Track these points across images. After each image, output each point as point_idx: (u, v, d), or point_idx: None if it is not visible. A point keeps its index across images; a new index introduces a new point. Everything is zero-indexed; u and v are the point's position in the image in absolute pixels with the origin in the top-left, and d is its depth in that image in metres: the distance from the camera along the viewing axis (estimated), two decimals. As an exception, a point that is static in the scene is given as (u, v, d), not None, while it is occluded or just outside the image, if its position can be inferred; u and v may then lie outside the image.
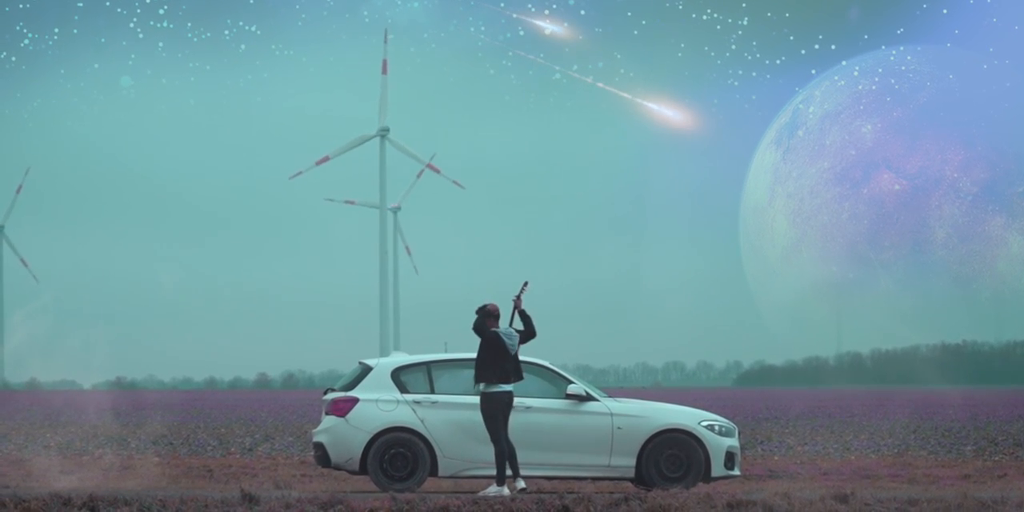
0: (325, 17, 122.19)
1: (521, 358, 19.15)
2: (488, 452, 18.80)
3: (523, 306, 18.99)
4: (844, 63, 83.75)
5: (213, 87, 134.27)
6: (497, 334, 18.73)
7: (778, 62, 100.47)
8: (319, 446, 19.58)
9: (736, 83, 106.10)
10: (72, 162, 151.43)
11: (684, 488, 18.81)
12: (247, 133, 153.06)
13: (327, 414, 19.69)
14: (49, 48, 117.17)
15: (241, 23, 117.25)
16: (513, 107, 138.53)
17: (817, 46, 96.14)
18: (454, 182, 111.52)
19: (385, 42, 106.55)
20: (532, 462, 19.17)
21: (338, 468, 19.62)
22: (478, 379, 18.74)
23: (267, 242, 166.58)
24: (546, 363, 19.79)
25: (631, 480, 19.59)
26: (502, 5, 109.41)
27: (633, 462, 19.31)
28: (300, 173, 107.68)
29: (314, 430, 19.92)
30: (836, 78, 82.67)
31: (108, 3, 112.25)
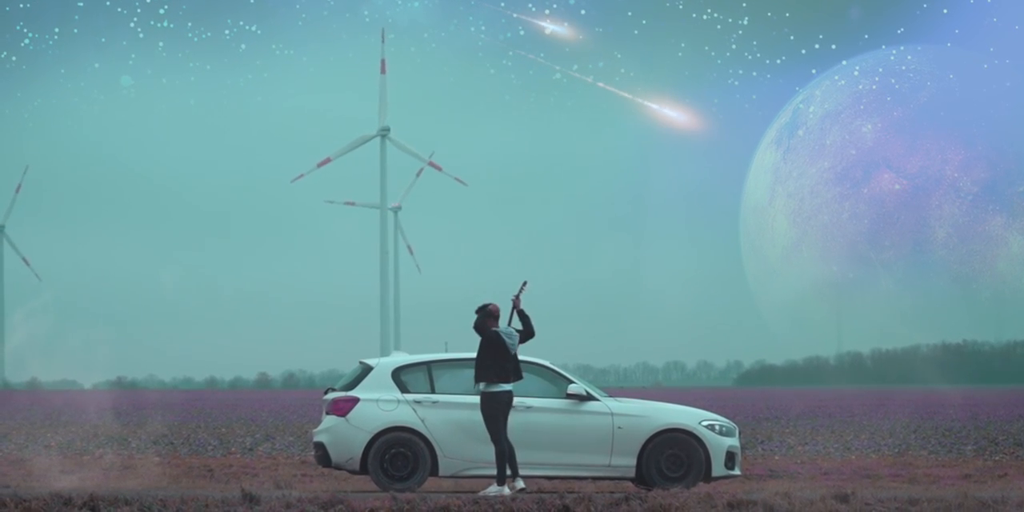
0: (325, 17, 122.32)
1: (521, 358, 19.15)
2: (488, 452, 18.80)
3: (522, 306, 19.00)
4: (844, 63, 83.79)
5: (213, 87, 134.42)
6: (498, 333, 18.74)
7: (778, 62, 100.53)
8: (320, 446, 19.58)
9: (736, 83, 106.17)
10: (72, 162, 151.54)
11: (685, 488, 18.81)
12: (247, 133, 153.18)
13: (328, 414, 19.69)
14: (49, 48, 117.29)
15: (241, 23, 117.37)
16: (513, 107, 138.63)
17: (817, 46, 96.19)
18: (456, 179, 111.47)
19: (383, 42, 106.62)
20: (533, 462, 19.17)
21: (339, 468, 19.62)
22: (478, 378, 18.74)
23: (268, 242, 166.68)
24: (546, 363, 19.79)
25: (632, 480, 19.59)
26: (502, 5, 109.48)
27: (634, 462, 19.31)
28: (302, 176, 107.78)
29: (315, 430, 19.92)
30: (836, 78, 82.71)
31: (108, 3, 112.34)
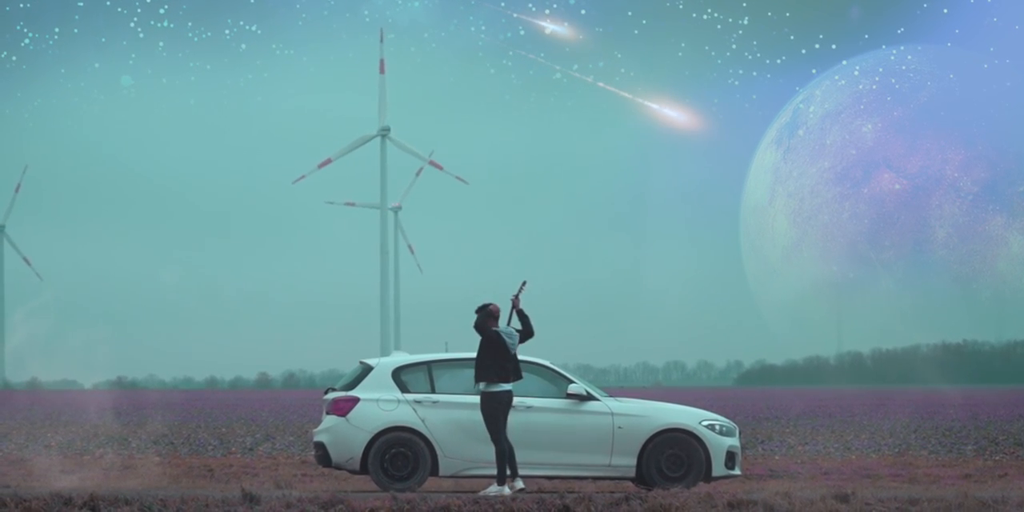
0: (326, 17, 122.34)
1: (522, 358, 19.16)
2: (489, 452, 18.80)
3: (521, 305, 19.00)
4: (845, 62, 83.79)
5: (213, 87, 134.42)
6: (498, 333, 18.74)
7: (779, 61, 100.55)
8: (320, 446, 19.58)
9: (736, 82, 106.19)
10: (73, 161, 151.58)
11: (685, 488, 18.80)
12: (248, 133, 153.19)
13: (328, 414, 19.69)
14: (50, 47, 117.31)
15: (242, 23, 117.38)
16: (514, 107, 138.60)
17: (818, 45, 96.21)
18: (457, 177, 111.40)
19: (381, 42, 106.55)
20: (533, 462, 19.17)
21: (339, 468, 19.62)
22: (478, 378, 18.74)
23: (268, 241, 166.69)
24: (547, 363, 19.79)
25: (632, 480, 19.59)
26: (503, 5, 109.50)
27: (634, 462, 19.31)
28: (303, 177, 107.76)
29: (315, 430, 19.92)
30: (837, 78, 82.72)
31: (109, 3, 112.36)
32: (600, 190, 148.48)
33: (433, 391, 19.59)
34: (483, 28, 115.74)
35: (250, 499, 17.08)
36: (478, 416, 18.84)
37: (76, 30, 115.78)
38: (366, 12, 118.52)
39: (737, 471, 19.75)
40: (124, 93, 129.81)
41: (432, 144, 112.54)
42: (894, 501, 17.29)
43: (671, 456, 19.34)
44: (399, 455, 19.23)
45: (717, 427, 19.57)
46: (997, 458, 29.32)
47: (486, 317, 18.84)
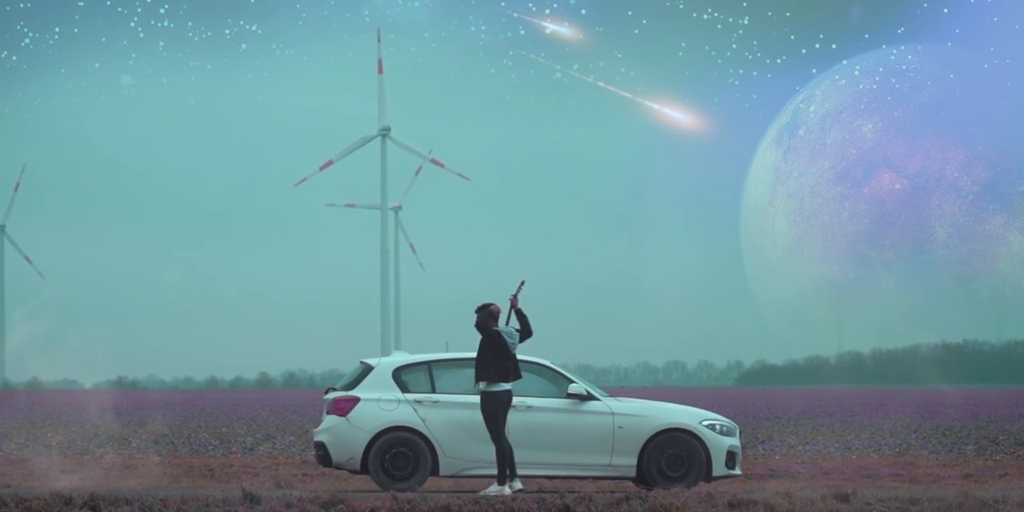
0: (326, 16, 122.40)
1: (522, 357, 19.16)
2: (489, 451, 18.80)
3: (520, 305, 19.00)
4: (845, 62, 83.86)
5: (214, 86, 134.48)
6: (499, 333, 18.74)
7: (779, 61, 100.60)
8: (320, 445, 19.58)
9: (737, 82, 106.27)
10: (73, 161, 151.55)
11: (685, 487, 18.80)
12: (248, 132, 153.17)
13: (328, 413, 19.69)
14: (50, 47, 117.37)
15: (242, 22, 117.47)
16: (514, 106, 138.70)
17: (818, 45, 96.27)
18: (459, 174, 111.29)
19: (378, 41, 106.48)
20: (533, 461, 19.17)
21: (339, 467, 19.62)
22: (479, 378, 18.74)
23: (268, 241, 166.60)
24: (547, 362, 19.79)
25: (632, 479, 19.59)
26: (503, 4, 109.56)
27: (634, 461, 19.31)
28: (305, 179, 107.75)
29: (315, 429, 19.92)
30: (837, 77, 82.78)
31: (109, 2, 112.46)
32: (600, 190, 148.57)
33: (433, 391, 19.59)
34: (483, 28, 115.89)
35: (250, 499, 17.08)
36: (478, 416, 18.84)
37: (76, 30, 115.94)
38: (366, 12, 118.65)
39: (738, 471, 19.75)
40: (124, 93, 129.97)
41: (432, 143, 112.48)
42: (894, 501, 17.29)
43: (671, 456, 19.34)
44: (399, 455, 19.23)
45: (718, 427, 19.57)
46: (997, 458, 29.32)
47: (487, 317, 18.84)
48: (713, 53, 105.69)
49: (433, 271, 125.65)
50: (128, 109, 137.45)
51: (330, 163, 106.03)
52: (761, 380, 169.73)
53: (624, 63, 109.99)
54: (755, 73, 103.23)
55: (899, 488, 21.19)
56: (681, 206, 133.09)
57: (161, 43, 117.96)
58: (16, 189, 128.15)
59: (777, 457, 29.50)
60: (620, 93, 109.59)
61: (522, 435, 19.04)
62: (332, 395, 19.80)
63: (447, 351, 20.37)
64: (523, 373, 18.99)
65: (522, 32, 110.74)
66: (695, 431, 19.41)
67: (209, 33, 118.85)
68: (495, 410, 18.63)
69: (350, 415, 19.40)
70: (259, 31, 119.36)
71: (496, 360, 18.66)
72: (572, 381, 19.59)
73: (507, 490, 18.42)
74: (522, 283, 19.10)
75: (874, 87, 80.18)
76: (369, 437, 19.25)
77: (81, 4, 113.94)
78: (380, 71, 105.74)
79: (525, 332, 18.99)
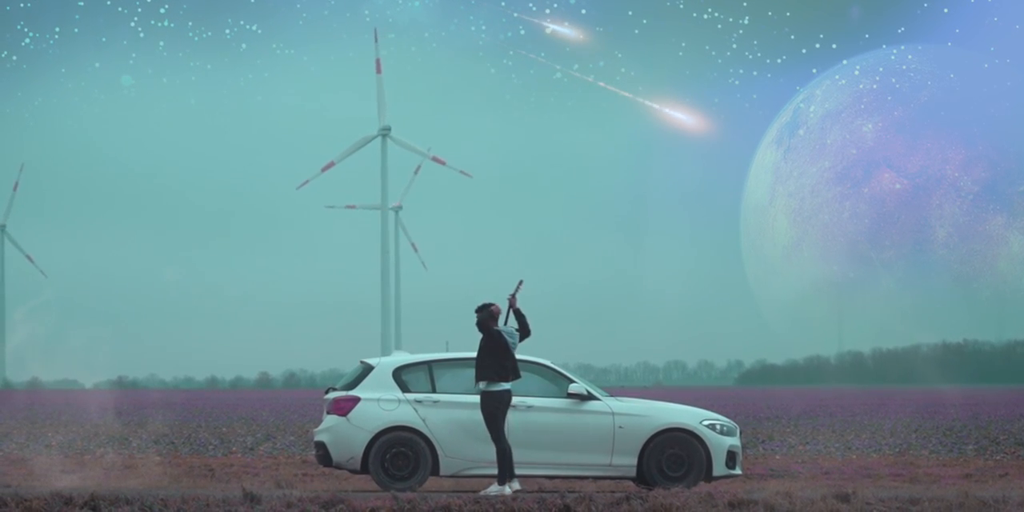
0: (326, 16, 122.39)
1: (522, 357, 19.16)
2: (489, 451, 18.80)
3: (518, 305, 19.00)
4: (845, 62, 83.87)
5: (214, 86, 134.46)
6: (500, 332, 18.74)
7: (779, 61, 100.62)
8: (320, 445, 19.58)
9: (737, 82, 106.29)
10: (73, 161, 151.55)
11: (685, 487, 18.79)
12: (248, 132, 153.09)
13: (328, 413, 19.69)
14: (50, 47, 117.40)
15: (242, 22, 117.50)
16: (514, 106, 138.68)
17: (818, 45, 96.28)
18: (461, 172, 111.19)
19: (376, 41, 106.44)
20: (533, 461, 19.17)
21: (339, 467, 19.62)
22: (479, 378, 18.74)
23: (268, 241, 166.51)
24: (547, 362, 19.79)
25: (632, 479, 19.59)
26: (503, 4, 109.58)
27: (634, 461, 19.31)
28: (307, 182, 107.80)
29: (315, 429, 19.92)
30: (837, 77, 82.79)
31: (109, 2, 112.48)
32: (600, 190, 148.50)
33: (434, 391, 19.59)
34: (483, 28, 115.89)
35: (251, 499, 17.08)
36: (479, 416, 18.83)
37: (76, 30, 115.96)
38: (366, 12, 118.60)
39: (738, 471, 19.75)
40: (124, 93, 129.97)
41: (432, 143, 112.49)
42: (895, 501, 17.29)
43: (672, 456, 19.34)
44: (400, 455, 19.23)
45: (718, 427, 19.57)
46: (998, 458, 29.33)
47: (487, 317, 18.85)
48: (713, 53, 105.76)
49: (433, 271, 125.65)
50: (128, 109, 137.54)
51: (331, 164, 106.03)
52: (761, 380, 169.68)
53: (624, 63, 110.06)
54: (755, 73, 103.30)
55: (899, 488, 21.19)
56: (681, 206, 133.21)
57: (161, 43, 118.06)
58: (15, 189, 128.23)
59: (777, 457, 29.51)
60: (620, 93, 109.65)
61: (522, 435, 19.04)
62: (332, 395, 19.80)
63: (447, 351, 20.37)
64: (523, 373, 19.00)
65: (522, 32, 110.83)
66: (695, 431, 19.40)
67: (209, 33, 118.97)
68: (495, 410, 18.63)
69: (350, 415, 19.40)
70: (259, 31, 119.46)
71: (496, 360, 18.66)
72: (572, 381, 19.59)
73: (507, 490, 18.42)
74: (520, 282, 19.11)
75: (874, 87, 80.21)
76: (369, 437, 19.25)
77: (81, 4, 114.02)
78: (378, 71, 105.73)
79: (524, 332, 19.00)
